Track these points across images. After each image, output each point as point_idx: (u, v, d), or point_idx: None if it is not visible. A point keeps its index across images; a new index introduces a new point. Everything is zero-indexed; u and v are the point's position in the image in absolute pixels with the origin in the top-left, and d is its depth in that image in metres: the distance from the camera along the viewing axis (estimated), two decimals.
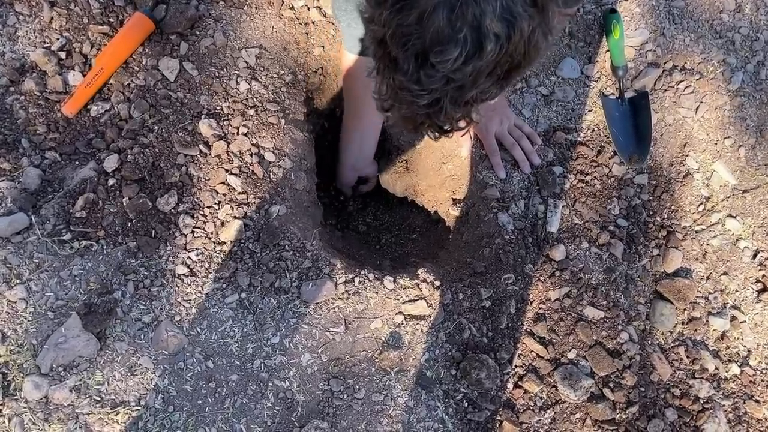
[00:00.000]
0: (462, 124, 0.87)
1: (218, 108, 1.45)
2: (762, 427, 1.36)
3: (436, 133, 0.90)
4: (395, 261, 1.58)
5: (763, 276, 1.51)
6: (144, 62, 1.46)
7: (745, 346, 1.44)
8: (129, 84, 1.44)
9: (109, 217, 1.31)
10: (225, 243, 1.34)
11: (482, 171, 1.54)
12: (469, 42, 0.70)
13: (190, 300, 1.29)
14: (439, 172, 1.62)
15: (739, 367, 1.41)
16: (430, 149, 1.63)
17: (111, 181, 1.34)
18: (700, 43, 1.72)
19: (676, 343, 1.41)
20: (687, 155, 1.60)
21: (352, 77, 1.41)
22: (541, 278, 1.42)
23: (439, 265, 1.48)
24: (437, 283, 1.40)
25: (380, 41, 0.77)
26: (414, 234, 1.71)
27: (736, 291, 1.49)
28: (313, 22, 1.61)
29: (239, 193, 1.38)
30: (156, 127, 1.40)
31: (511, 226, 1.47)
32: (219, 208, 1.36)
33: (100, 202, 1.32)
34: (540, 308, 1.40)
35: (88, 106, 1.41)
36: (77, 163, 1.36)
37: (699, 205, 1.56)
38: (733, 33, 1.75)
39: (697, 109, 1.64)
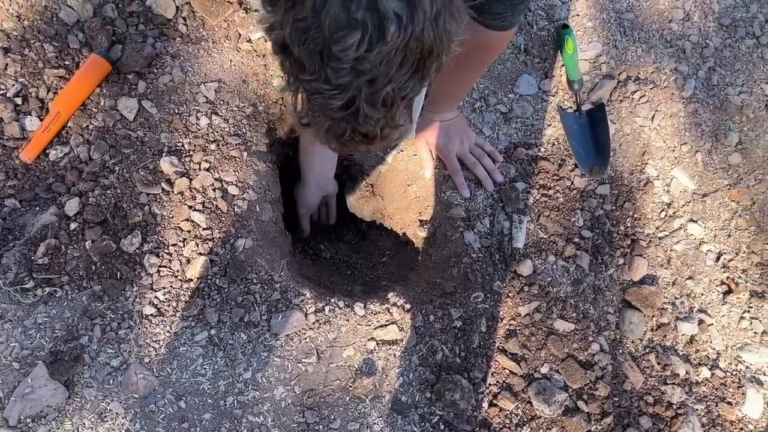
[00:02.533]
0: (388, 131, 0.81)
1: (179, 144, 1.45)
2: (735, 428, 1.38)
3: (366, 146, 0.83)
4: (366, 285, 1.59)
5: (728, 278, 1.54)
6: (102, 103, 1.45)
7: (714, 349, 1.46)
8: (87, 126, 1.43)
9: (72, 261, 1.30)
10: (192, 280, 1.33)
11: (446, 191, 1.55)
12: (369, 25, 0.66)
13: (159, 340, 1.28)
14: (404, 194, 1.63)
15: (710, 370, 1.43)
16: (394, 172, 1.64)
17: (73, 225, 1.33)
18: (651, 53, 1.76)
19: (647, 351, 1.43)
20: (646, 163, 1.63)
21: None
22: (510, 294, 1.44)
23: (410, 288, 1.49)
24: (408, 306, 1.41)
25: (282, 46, 0.74)
26: (384, 257, 1.71)
27: (702, 294, 1.51)
28: (270, 54, 1.62)
29: (204, 229, 1.37)
30: (117, 168, 1.39)
31: (477, 244, 1.48)
32: (184, 246, 1.35)
33: (62, 247, 1.31)
34: (511, 324, 1.41)
35: (47, 151, 1.40)
36: (38, 209, 1.34)
37: (661, 212, 1.59)
38: (683, 41, 1.79)
39: (653, 117, 1.68)
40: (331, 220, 1.82)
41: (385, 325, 1.37)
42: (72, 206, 1.34)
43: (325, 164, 1.62)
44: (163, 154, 1.43)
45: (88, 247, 1.31)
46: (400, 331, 1.37)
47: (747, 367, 1.45)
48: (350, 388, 1.31)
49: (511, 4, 1.10)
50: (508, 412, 1.33)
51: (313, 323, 1.35)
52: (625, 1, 1.82)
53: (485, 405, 1.33)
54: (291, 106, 0.83)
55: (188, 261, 1.34)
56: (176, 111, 1.49)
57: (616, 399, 1.36)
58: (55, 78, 1.45)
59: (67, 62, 1.48)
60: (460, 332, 1.39)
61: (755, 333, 1.48)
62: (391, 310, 1.39)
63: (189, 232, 1.37)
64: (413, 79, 0.74)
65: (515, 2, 1.11)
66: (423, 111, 1.54)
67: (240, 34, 1.62)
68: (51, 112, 1.41)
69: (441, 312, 1.40)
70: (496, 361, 1.36)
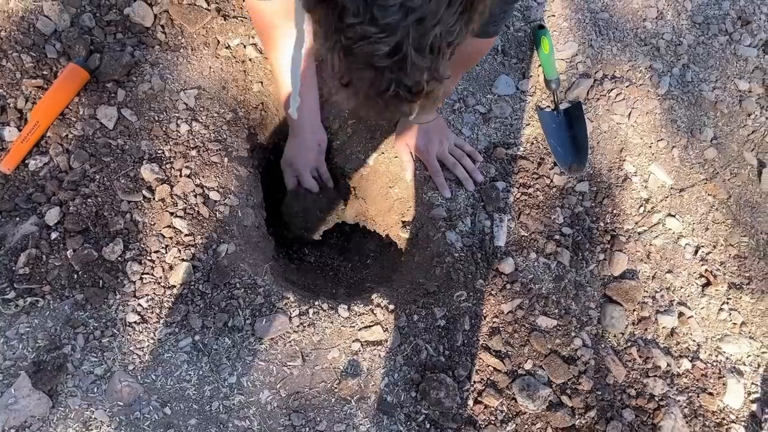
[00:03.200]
0: (433, 85, 0.76)
1: (160, 152, 1.45)
2: (717, 419, 1.40)
3: (409, 104, 0.78)
4: (350, 288, 1.60)
5: (706, 270, 1.56)
6: (81, 112, 1.45)
7: (694, 341, 1.48)
8: (67, 135, 1.43)
9: (53, 271, 1.30)
10: (175, 286, 1.33)
11: (428, 192, 1.57)
12: None
13: (142, 347, 1.28)
14: (386, 196, 1.64)
15: (690, 361, 1.45)
16: (376, 175, 1.65)
17: (54, 235, 1.33)
18: (626, 51, 1.78)
19: (629, 344, 1.45)
20: (624, 160, 1.66)
21: (263, 20, 1.37)
22: (493, 292, 1.45)
23: (393, 288, 1.50)
24: (391, 306, 1.42)
25: None
26: (368, 259, 1.72)
27: (681, 287, 1.53)
28: (250, 60, 1.63)
29: (186, 235, 1.38)
30: (97, 177, 1.39)
31: (459, 243, 1.50)
32: (166, 252, 1.35)
33: (43, 256, 1.30)
34: (494, 322, 1.42)
35: (26, 161, 1.39)
36: (18, 219, 1.34)
37: (639, 207, 1.61)
38: (657, 39, 1.82)
39: (629, 115, 1.70)
40: (328, 182, 1.68)
41: (369, 326, 1.38)
42: (52, 216, 1.34)
43: (315, 109, 1.57)
44: (144, 162, 1.43)
45: (69, 256, 1.31)
46: (384, 331, 1.38)
47: (727, 358, 1.47)
48: (336, 390, 1.31)
49: (495, 11, 1.11)
50: (493, 409, 1.34)
51: (298, 326, 1.35)
52: (600, 1, 1.85)
53: (470, 402, 1.34)
54: (328, 68, 0.76)
55: (171, 267, 1.34)
56: (156, 118, 1.49)
57: (599, 393, 1.38)
58: (34, 88, 1.45)
59: (45, 72, 1.48)
60: (443, 331, 1.40)
61: (734, 324, 1.50)
62: (375, 311, 1.40)
63: (171, 238, 1.37)
64: (460, 21, 0.71)
65: (498, 13, 1.13)
66: (401, 116, 1.56)
67: (219, 41, 1.63)
68: (29, 122, 1.41)
69: (424, 311, 1.41)
70: (480, 358, 1.38)
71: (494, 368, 1.37)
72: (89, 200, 1.37)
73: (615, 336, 1.45)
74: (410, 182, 1.58)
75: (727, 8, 1.91)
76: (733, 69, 1.83)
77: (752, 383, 1.45)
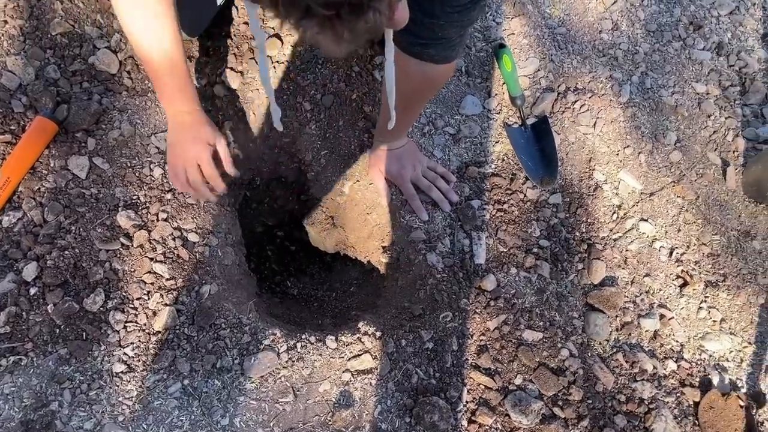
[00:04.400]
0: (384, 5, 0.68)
1: (135, 198, 1.45)
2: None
3: (355, 24, 0.67)
4: (336, 317, 1.60)
5: (682, 271, 1.60)
6: (52, 164, 1.45)
7: (677, 341, 1.51)
8: (39, 188, 1.42)
9: (35, 327, 1.28)
10: (160, 332, 1.32)
11: (405, 216, 1.58)
12: None
13: (131, 397, 1.26)
14: (365, 223, 1.65)
15: (675, 362, 1.47)
16: (352, 203, 1.67)
17: (33, 290, 1.31)
18: (586, 63, 1.83)
19: (614, 350, 1.47)
20: (593, 169, 1.70)
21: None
22: (477, 310, 1.46)
23: (379, 315, 1.51)
24: (378, 333, 1.42)
25: None
26: (351, 287, 1.73)
27: (660, 290, 1.57)
28: (218, 98, 1.64)
29: (167, 280, 1.37)
30: (73, 228, 1.38)
31: (441, 264, 1.51)
32: (149, 298, 1.35)
33: (23, 313, 1.29)
34: (481, 340, 1.43)
35: None
36: None
37: (612, 215, 1.65)
38: (614, 50, 1.88)
39: (594, 124, 1.74)
40: (229, 170, 1.45)
41: (359, 355, 1.38)
42: (30, 271, 1.32)
43: (180, 80, 1.37)
44: (120, 209, 1.42)
45: (50, 311, 1.29)
46: (374, 359, 1.38)
47: (710, 356, 1.50)
48: (330, 423, 1.31)
49: (459, 27, 1.14)
50: (487, 427, 1.34)
51: (287, 362, 1.35)
52: (556, 17, 1.90)
53: (464, 423, 1.34)
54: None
55: (154, 313, 1.33)
56: (128, 164, 1.49)
57: (590, 401, 1.39)
58: (2, 144, 1.44)
59: (12, 127, 1.47)
60: (432, 353, 1.41)
61: (714, 321, 1.54)
62: (362, 339, 1.40)
63: (152, 284, 1.36)
64: None
65: (455, 37, 1.16)
66: (373, 141, 1.58)
67: None
68: (0, 178, 1.39)
69: (412, 335, 1.42)
70: (471, 377, 1.38)
71: (485, 386, 1.38)
72: (66, 252, 1.36)
73: (600, 343, 1.48)
74: (387, 208, 1.60)
75: (678, 15, 1.98)
76: (689, 73, 1.89)
77: (737, 378, 1.48)
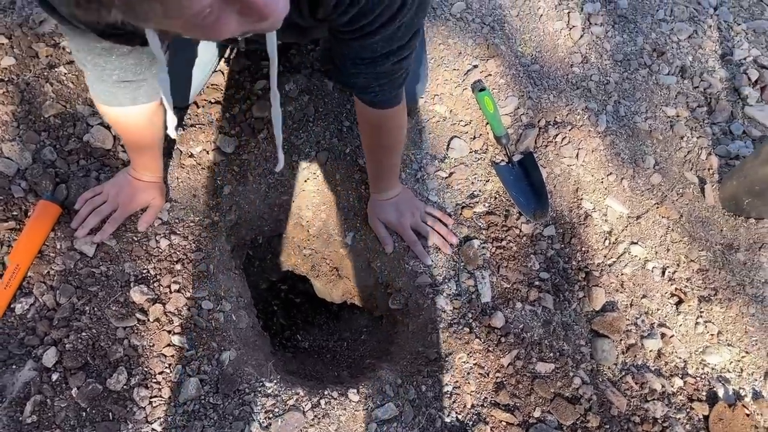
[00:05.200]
0: None
1: (145, 271, 1.47)
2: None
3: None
4: (352, 368, 1.63)
5: (676, 289, 1.67)
6: (59, 246, 1.46)
7: (680, 358, 1.58)
8: (48, 272, 1.43)
9: (61, 413, 1.28)
10: (186, 403, 1.34)
11: (410, 262, 1.63)
12: None
13: None
14: (369, 271, 1.69)
15: (681, 378, 1.54)
16: (356, 253, 1.71)
17: (54, 376, 1.31)
18: (562, 97, 1.92)
19: (623, 373, 1.53)
20: (581, 199, 1.77)
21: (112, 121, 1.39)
22: (490, 348, 1.51)
23: (395, 362, 1.54)
24: (399, 381, 1.46)
25: None
26: (362, 335, 1.76)
27: (658, 309, 1.64)
28: (215, 164, 1.68)
29: (187, 351, 1.39)
30: (87, 308, 1.39)
31: (449, 306, 1.56)
32: (171, 371, 1.36)
33: (48, 400, 1.29)
34: (497, 377, 1.48)
35: (12, 306, 1.38)
36: (14, 366, 1.32)
37: (604, 241, 1.72)
38: (587, 81, 1.97)
39: (577, 155, 1.82)
40: (140, 227, 1.51)
41: (382, 405, 1.41)
42: (49, 357, 1.33)
43: (145, 152, 1.47)
44: (131, 284, 1.44)
45: (74, 395, 1.30)
46: (397, 407, 1.41)
47: (713, 369, 1.57)
48: None
49: (374, 77, 1.18)
50: None
51: (313, 419, 1.37)
52: (529, 55, 1.99)
53: None
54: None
55: (178, 385, 1.35)
56: (134, 239, 1.51)
57: (608, 426, 1.45)
58: (7, 231, 1.45)
59: (15, 213, 1.48)
60: (452, 396, 1.45)
61: (712, 335, 1.61)
62: (384, 389, 1.44)
63: (173, 356, 1.38)
64: None
65: (373, 84, 1.20)
66: (371, 195, 1.63)
67: (181, 151, 1.67)
68: (9, 266, 1.40)
69: (431, 380, 1.46)
70: (492, 415, 1.43)
71: (507, 422, 1.43)
72: (83, 334, 1.37)
73: (609, 368, 1.54)
74: (391, 255, 1.64)
75: (641, 43, 2.09)
76: (658, 98, 1.99)
77: (740, 388, 1.55)
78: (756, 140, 1.95)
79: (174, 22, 0.65)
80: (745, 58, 2.13)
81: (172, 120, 1.33)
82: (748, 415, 1.49)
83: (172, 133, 1.38)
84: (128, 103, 1.27)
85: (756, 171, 1.71)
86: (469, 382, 1.46)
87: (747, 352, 1.60)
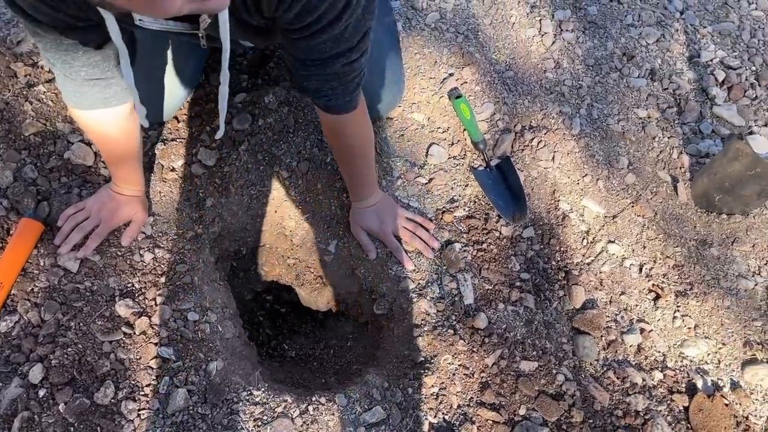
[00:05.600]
0: None
1: (129, 285, 1.48)
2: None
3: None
4: (339, 374, 1.64)
5: (653, 285, 1.72)
6: (42, 263, 1.46)
7: (659, 352, 1.61)
8: (32, 289, 1.43)
9: (48, 429, 1.28)
10: (174, 414, 1.34)
11: (392, 267, 1.66)
12: None
13: None
14: (353, 278, 1.71)
15: (661, 372, 1.58)
16: (339, 260, 1.73)
17: (41, 392, 1.31)
18: (537, 102, 1.97)
19: (605, 369, 1.56)
20: (558, 200, 1.81)
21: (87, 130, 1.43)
22: (474, 349, 1.54)
23: (382, 366, 1.56)
24: (386, 384, 1.48)
25: None
26: (348, 342, 1.78)
27: (636, 305, 1.68)
28: (197, 177, 1.69)
29: (174, 362, 1.40)
30: (72, 324, 1.40)
31: (433, 310, 1.58)
32: (159, 383, 1.37)
33: (35, 417, 1.29)
34: (482, 377, 1.51)
35: None
36: (0, 384, 1.32)
37: (582, 240, 1.76)
38: (560, 86, 2.02)
39: (553, 158, 1.87)
40: (123, 242, 1.53)
41: (369, 409, 1.43)
42: (36, 373, 1.33)
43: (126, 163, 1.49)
44: (117, 299, 1.45)
45: (62, 410, 1.30)
46: (384, 410, 1.43)
47: (691, 361, 1.61)
48: None
49: (325, 79, 1.21)
50: None
51: (302, 426, 1.38)
52: (503, 62, 2.04)
53: None
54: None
55: (166, 397, 1.36)
56: (118, 253, 1.52)
57: (591, 421, 1.48)
58: None
59: None
60: (438, 397, 1.47)
61: (689, 328, 1.65)
62: (371, 393, 1.45)
63: (160, 368, 1.38)
64: None
65: (324, 88, 1.23)
66: (352, 204, 1.66)
67: (163, 166, 1.69)
68: None
69: (417, 382, 1.48)
70: (478, 415, 1.45)
71: (493, 421, 1.45)
72: (69, 349, 1.37)
73: (591, 364, 1.57)
74: (374, 261, 1.67)
75: (611, 48, 2.15)
76: (630, 100, 2.05)
77: (718, 378, 1.59)
78: (725, 138, 2.01)
79: None
80: (711, 60, 2.20)
81: (141, 110, 1.36)
82: (726, 405, 1.53)
83: (144, 122, 1.41)
84: (100, 104, 1.28)
85: (725, 168, 1.77)
86: (454, 383, 1.48)
87: (724, 344, 1.65)
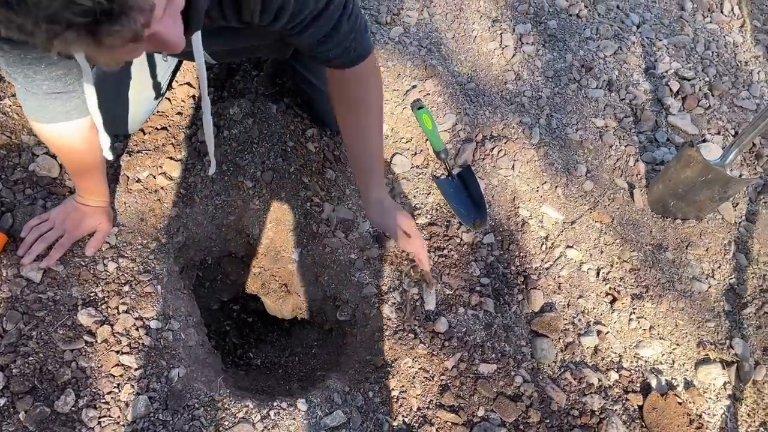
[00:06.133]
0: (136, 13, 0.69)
1: (92, 294, 1.49)
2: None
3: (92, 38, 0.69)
4: (303, 380, 1.66)
5: (610, 288, 1.76)
6: (5, 274, 1.47)
7: (615, 353, 1.66)
8: None
9: None
10: (135, 421, 1.36)
11: (355, 273, 1.69)
12: None
13: None
14: (317, 285, 1.74)
15: (617, 372, 1.62)
16: (304, 267, 1.76)
17: (2, 401, 1.32)
18: (497, 112, 2.02)
19: (562, 370, 1.60)
20: (518, 207, 1.86)
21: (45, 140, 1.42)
22: (434, 352, 1.57)
23: (344, 371, 1.59)
24: (347, 389, 1.50)
25: None
26: (312, 349, 1.80)
27: (594, 308, 1.72)
28: (162, 188, 1.71)
29: (135, 369, 1.41)
30: (34, 333, 1.41)
31: (394, 315, 1.62)
32: (120, 390, 1.38)
33: None
34: (441, 380, 1.54)
35: None
36: None
37: (541, 246, 1.81)
38: (520, 97, 2.08)
39: (513, 166, 1.92)
40: (87, 252, 1.54)
41: (330, 413, 1.45)
42: None
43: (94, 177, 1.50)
44: (79, 308, 1.46)
45: (22, 419, 1.31)
46: (345, 414, 1.45)
47: (646, 361, 1.66)
48: None
49: (343, 38, 1.21)
50: None
51: (263, 430, 1.40)
52: (465, 74, 2.09)
53: None
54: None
55: (127, 405, 1.37)
56: (82, 263, 1.53)
57: (548, 421, 1.51)
58: None
59: None
60: (399, 399, 1.50)
61: (644, 330, 1.70)
62: (332, 397, 1.48)
63: (122, 376, 1.40)
64: None
65: (345, 36, 1.21)
66: (371, 198, 1.54)
67: (128, 177, 1.71)
68: None
69: (378, 386, 1.51)
70: (437, 417, 1.48)
71: (452, 422, 1.48)
72: (30, 358, 1.38)
73: (549, 365, 1.61)
74: (336, 269, 1.69)
75: (570, 60, 2.22)
76: (588, 110, 2.11)
77: (672, 378, 1.64)
78: (679, 146, 2.07)
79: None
80: (666, 71, 2.27)
81: (105, 140, 1.37)
82: (680, 404, 1.57)
83: (108, 155, 1.42)
84: (62, 118, 1.30)
85: (678, 175, 1.83)
86: (414, 386, 1.51)
87: (678, 345, 1.69)
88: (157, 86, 1.73)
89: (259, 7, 1.04)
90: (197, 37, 1.07)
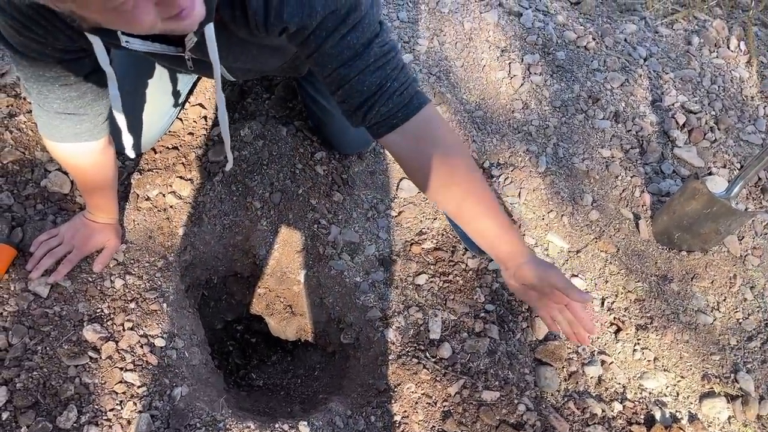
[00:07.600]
0: None
1: (98, 310, 1.50)
2: None
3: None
4: (305, 403, 1.66)
5: (615, 318, 1.76)
6: (12, 288, 1.48)
7: (619, 383, 1.65)
8: (1, 313, 1.44)
9: None
10: None
11: (360, 297, 1.69)
12: None
13: None
14: (321, 307, 1.74)
15: (620, 403, 1.61)
16: (309, 289, 1.76)
17: (5, 415, 1.32)
18: (505, 140, 2.04)
19: (566, 399, 1.59)
20: (524, 234, 1.87)
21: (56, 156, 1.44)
22: (437, 378, 1.56)
23: (346, 394, 1.58)
24: (349, 412, 1.50)
25: None
26: (315, 371, 1.80)
27: (598, 338, 1.72)
28: (171, 207, 1.73)
29: (139, 387, 1.41)
30: (39, 348, 1.41)
31: (398, 340, 1.62)
32: (122, 408, 1.38)
33: None
34: (444, 406, 1.53)
35: None
36: None
37: None
38: (527, 126, 2.10)
39: (519, 194, 1.93)
40: (95, 268, 1.55)
41: None
42: None
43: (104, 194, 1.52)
44: (85, 323, 1.47)
45: None
46: None
47: (650, 393, 1.65)
48: None
49: (374, 70, 1.09)
50: None
51: None
52: (473, 102, 2.12)
53: None
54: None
55: (129, 422, 1.36)
56: (89, 279, 1.54)
57: None
58: None
59: None
60: (401, 425, 1.49)
61: (648, 361, 1.69)
62: (334, 420, 1.47)
63: (125, 393, 1.40)
64: None
65: (375, 68, 1.09)
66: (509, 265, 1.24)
67: (138, 195, 1.72)
68: None
69: (380, 410, 1.50)
70: None
71: None
72: (35, 373, 1.38)
73: (552, 394, 1.60)
74: (341, 291, 1.70)
75: (578, 91, 2.24)
76: (594, 140, 2.13)
77: (676, 410, 1.62)
78: (685, 178, 2.09)
79: (92, 5, 0.75)
80: (673, 104, 2.29)
81: (128, 139, 1.39)
82: None
83: (130, 153, 1.45)
84: (71, 138, 1.32)
85: (683, 207, 1.84)
86: (417, 411, 1.50)
87: (682, 377, 1.68)
88: (172, 105, 1.76)
89: (261, 10, 1.02)
90: (210, 29, 1.06)
